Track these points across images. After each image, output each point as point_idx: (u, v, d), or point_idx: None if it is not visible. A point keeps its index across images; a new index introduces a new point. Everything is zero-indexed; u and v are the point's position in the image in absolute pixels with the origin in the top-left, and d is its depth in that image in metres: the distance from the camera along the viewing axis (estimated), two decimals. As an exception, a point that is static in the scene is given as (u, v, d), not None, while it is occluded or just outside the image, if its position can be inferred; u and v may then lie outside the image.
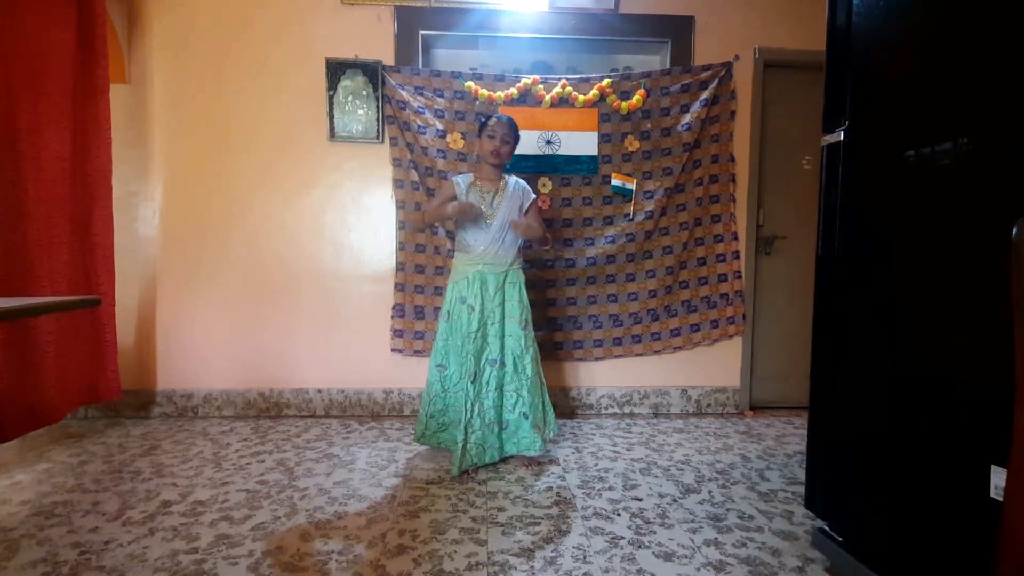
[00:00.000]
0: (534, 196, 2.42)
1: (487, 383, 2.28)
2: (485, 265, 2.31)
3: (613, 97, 2.96)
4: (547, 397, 2.41)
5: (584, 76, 2.99)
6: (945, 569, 1.24)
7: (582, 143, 3.00)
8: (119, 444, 2.58)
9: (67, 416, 2.80)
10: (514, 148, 2.38)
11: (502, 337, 2.30)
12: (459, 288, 2.33)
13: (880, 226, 1.45)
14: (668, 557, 1.68)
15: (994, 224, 1.10)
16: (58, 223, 2.50)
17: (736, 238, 3.10)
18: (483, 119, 2.38)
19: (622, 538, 1.78)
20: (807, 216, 2.96)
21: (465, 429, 2.22)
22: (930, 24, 1.32)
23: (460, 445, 2.20)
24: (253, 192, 2.99)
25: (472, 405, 2.24)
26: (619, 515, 1.94)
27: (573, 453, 2.53)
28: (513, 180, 2.40)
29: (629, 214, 3.03)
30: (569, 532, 1.81)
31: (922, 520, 1.30)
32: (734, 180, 3.09)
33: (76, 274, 2.60)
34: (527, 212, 2.38)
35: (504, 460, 2.38)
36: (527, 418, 2.30)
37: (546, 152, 2.99)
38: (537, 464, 2.36)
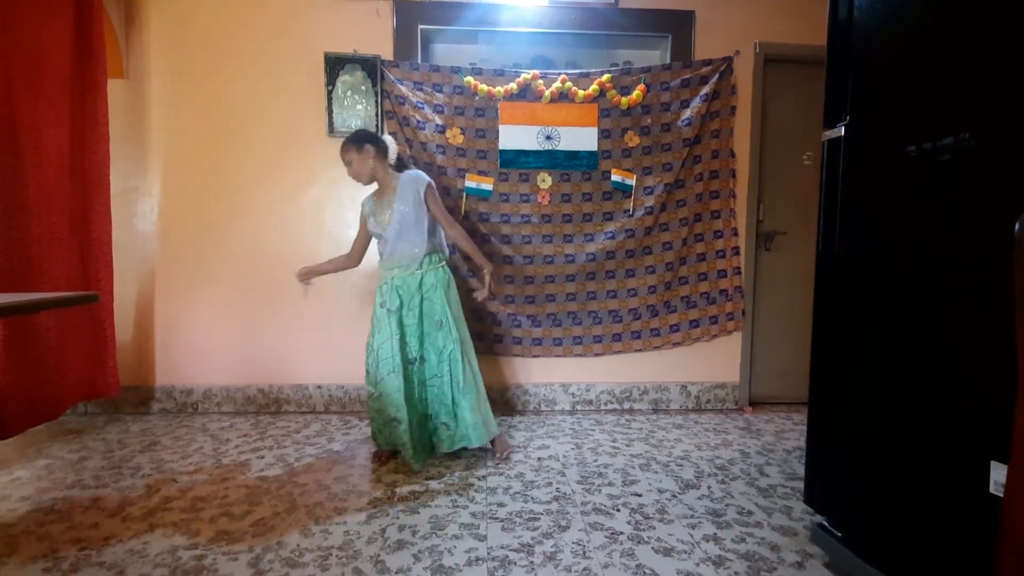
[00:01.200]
0: (427, 181, 2.33)
1: (410, 379, 2.29)
2: (396, 269, 2.33)
3: (613, 92, 2.95)
4: (472, 397, 2.31)
5: (584, 71, 2.98)
6: (944, 564, 1.24)
7: (582, 139, 2.99)
8: (119, 440, 2.59)
9: (66, 412, 2.80)
10: (360, 160, 2.30)
11: (421, 337, 2.31)
12: (381, 293, 2.35)
13: (881, 222, 1.44)
14: (667, 552, 1.68)
15: (995, 220, 1.10)
16: (57, 219, 2.50)
17: (736, 234, 3.10)
18: None
19: (621, 533, 1.79)
20: (807, 212, 2.96)
21: (410, 427, 2.23)
22: (931, 19, 1.31)
23: (410, 443, 2.21)
24: (252, 188, 2.99)
25: (406, 403, 2.25)
26: (618, 511, 1.94)
27: (573, 449, 2.53)
28: (404, 176, 2.34)
29: (629, 210, 3.02)
30: (569, 528, 1.82)
31: (921, 515, 1.31)
32: (734, 176, 3.09)
33: (74, 270, 2.59)
34: (425, 203, 2.32)
35: (492, 453, 2.38)
36: (451, 413, 2.31)
37: (546, 148, 2.98)
38: (503, 453, 2.39)
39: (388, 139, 2.40)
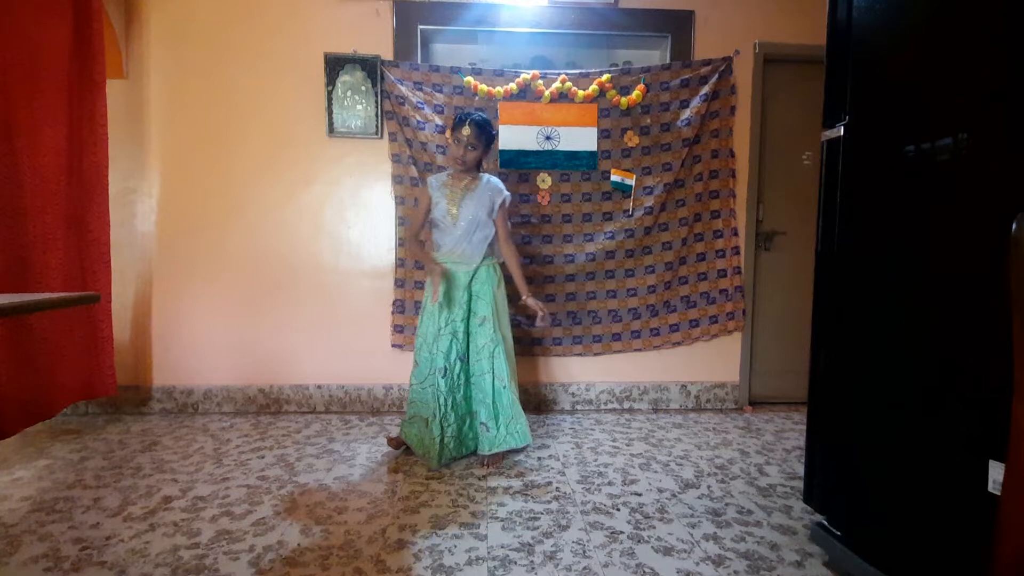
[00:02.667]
0: (505, 196, 2.36)
1: (458, 377, 2.29)
2: (453, 264, 2.32)
3: (613, 92, 2.95)
4: (503, 399, 2.28)
5: (583, 71, 2.98)
6: (943, 562, 1.25)
7: (581, 139, 2.99)
8: (119, 440, 2.59)
9: (66, 412, 2.80)
10: (483, 152, 2.33)
11: (467, 333, 2.31)
12: (430, 286, 2.34)
13: (880, 221, 1.45)
14: (667, 551, 1.69)
15: (994, 219, 1.10)
16: (54, 219, 2.49)
17: (736, 234, 3.10)
18: (460, 116, 2.30)
19: (621, 533, 1.79)
20: (807, 211, 2.95)
21: (440, 424, 2.24)
22: (931, 18, 1.32)
23: (438, 440, 2.23)
24: (251, 188, 2.99)
25: (445, 400, 2.25)
26: (618, 510, 1.95)
27: (573, 448, 2.54)
28: (486, 179, 2.36)
29: (628, 210, 3.03)
30: (569, 527, 1.82)
31: (920, 514, 1.31)
32: (734, 175, 3.09)
33: (72, 270, 2.59)
34: (496, 214, 2.35)
35: (503, 455, 2.38)
36: (492, 413, 2.28)
37: (545, 148, 2.98)
38: (495, 463, 2.29)
39: None
